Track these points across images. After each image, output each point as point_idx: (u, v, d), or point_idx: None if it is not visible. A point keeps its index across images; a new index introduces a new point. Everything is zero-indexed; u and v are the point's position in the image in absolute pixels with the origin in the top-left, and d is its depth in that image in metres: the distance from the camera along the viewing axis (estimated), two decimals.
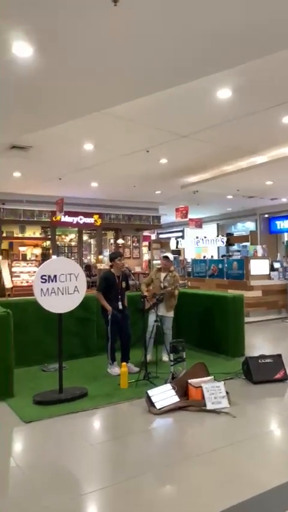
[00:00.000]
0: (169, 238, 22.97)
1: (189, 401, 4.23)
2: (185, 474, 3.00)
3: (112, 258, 5.74)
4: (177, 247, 21.32)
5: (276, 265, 11.44)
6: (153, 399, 4.09)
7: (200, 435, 3.69)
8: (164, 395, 4.16)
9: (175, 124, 7.47)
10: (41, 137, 7.85)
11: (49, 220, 15.93)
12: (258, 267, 10.39)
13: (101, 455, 3.30)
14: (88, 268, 17.21)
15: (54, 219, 15.72)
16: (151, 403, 4.07)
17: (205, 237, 19.96)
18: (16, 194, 14.32)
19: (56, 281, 4.48)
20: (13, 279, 15.23)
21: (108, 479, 2.91)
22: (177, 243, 21.68)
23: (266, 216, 19.09)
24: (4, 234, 16.11)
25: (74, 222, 16.49)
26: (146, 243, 20.42)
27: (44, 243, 18.12)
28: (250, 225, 20.37)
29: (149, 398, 4.11)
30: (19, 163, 9.99)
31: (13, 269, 15.50)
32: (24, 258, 17.01)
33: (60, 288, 4.50)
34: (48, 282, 4.43)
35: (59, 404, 4.26)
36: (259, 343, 7.40)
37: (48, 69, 4.73)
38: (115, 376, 5.15)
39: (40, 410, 4.14)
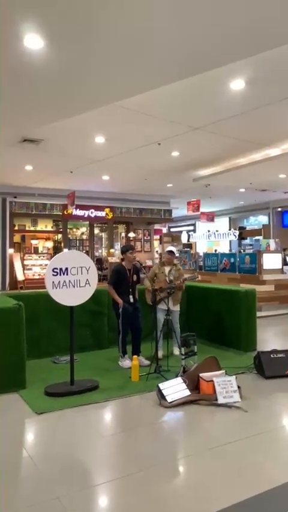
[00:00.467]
0: (180, 232, 22.87)
1: (201, 395, 4.21)
2: (196, 467, 3.00)
3: (123, 250, 5.75)
4: (188, 240, 21.23)
5: None
6: (164, 392, 4.08)
7: (211, 429, 3.68)
8: (175, 388, 4.16)
9: (187, 116, 7.39)
10: (52, 130, 7.84)
11: (61, 213, 15.99)
12: (271, 261, 10.28)
13: (112, 447, 3.32)
14: (99, 262, 17.26)
15: (65, 212, 15.77)
16: (162, 396, 4.07)
17: (217, 231, 19.82)
18: (28, 187, 14.39)
19: (67, 274, 4.49)
20: (25, 271, 15.38)
21: (119, 471, 2.92)
22: (189, 236, 21.58)
23: (279, 209, 18.88)
24: (16, 227, 16.23)
25: (85, 216, 16.53)
26: (157, 237, 20.37)
27: (56, 236, 18.21)
28: (263, 219, 20.17)
29: (160, 392, 4.11)
30: (31, 156, 10.02)
31: (25, 262, 15.64)
32: (36, 251, 17.14)
33: (72, 281, 4.51)
34: (60, 274, 4.44)
35: (70, 396, 4.29)
36: (271, 338, 7.35)
37: (61, 61, 4.71)
38: (126, 369, 5.16)
39: (51, 402, 4.17)
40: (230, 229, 20.28)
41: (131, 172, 12.30)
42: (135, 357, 5.03)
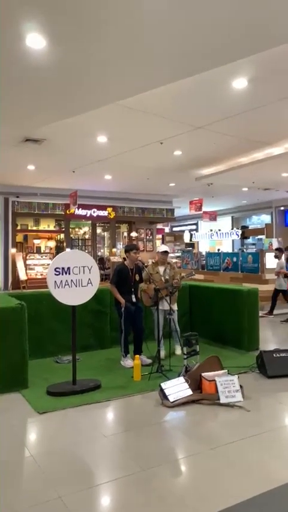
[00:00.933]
0: (183, 231, 22.87)
1: (203, 394, 4.20)
2: (198, 467, 2.99)
3: (127, 249, 5.70)
4: (191, 240, 21.21)
5: None
6: (167, 392, 4.08)
7: (214, 429, 3.67)
8: (177, 388, 4.15)
9: (190, 115, 7.37)
10: (54, 130, 7.84)
11: (63, 213, 16.00)
12: (274, 260, 10.25)
13: (114, 447, 3.31)
14: (101, 261, 17.26)
15: (68, 212, 15.78)
16: (164, 396, 4.07)
17: (219, 230, 19.80)
18: (30, 187, 14.41)
19: (69, 273, 4.49)
20: (27, 271, 15.40)
21: (121, 470, 2.92)
22: (191, 236, 21.56)
23: (282, 208, 18.83)
24: (18, 227, 16.25)
25: (88, 215, 16.53)
26: (159, 236, 20.37)
27: (58, 236, 18.23)
28: (265, 218, 20.12)
29: (162, 391, 4.11)
30: (33, 156, 10.03)
31: (27, 261, 15.67)
32: (38, 250, 17.17)
33: (74, 280, 4.51)
34: (62, 274, 4.44)
35: (72, 396, 4.29)
36: (274, 337, 7.33)
37: (63, 60, 4.70)
38: (128, 368, 5.16)
39: (54, 401, 4.17)
40: (232, 229, 20.25)
41: (134, 172, 12.29)
42: (137, 356, 5.02)
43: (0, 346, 4.43)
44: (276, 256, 9.43)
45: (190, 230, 22.74)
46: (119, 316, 5.47)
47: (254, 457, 3.07)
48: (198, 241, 20.86)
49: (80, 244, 19.04)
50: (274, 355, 4.95)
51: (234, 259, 11.04)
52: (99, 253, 18.78)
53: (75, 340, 4.62)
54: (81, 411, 3.99)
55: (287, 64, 5.36)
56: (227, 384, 4.15)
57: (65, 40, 4.29)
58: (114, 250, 17.22)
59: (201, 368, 4.47)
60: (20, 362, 4.53)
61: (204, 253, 13.72)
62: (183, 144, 9.34)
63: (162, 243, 20.16)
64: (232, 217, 21.97)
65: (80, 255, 4.90)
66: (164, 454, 3.17)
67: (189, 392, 4.15)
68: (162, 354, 5.50)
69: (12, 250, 15.14)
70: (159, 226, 20.22)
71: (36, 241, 17.77)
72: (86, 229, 19.10)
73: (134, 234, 17.85)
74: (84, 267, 4.60)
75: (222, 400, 4.05)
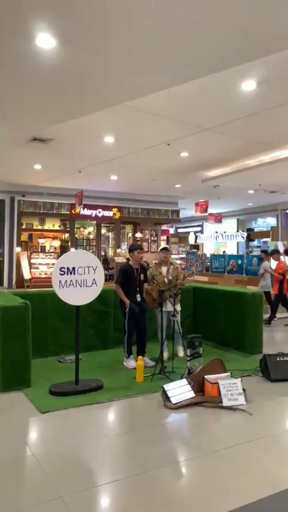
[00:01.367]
0: (188, 233, 22.83)
1: (205, 397, 4.19)
2: (200, 469, 2.98)
3: (131, 249, 5.70)
4: (196, 241, 21.17)
5: None
6: (169, 394, 4.07)
7: (216, 431, 3.66)
8: (179, 390, 4.14)
9: (197, 117, 7.36)
10: (62, 130, 7.86)
11: (68, 212, 16.03)
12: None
13: (116, 448, 3.31)
14: (105, 262, 17.27)
15: (73, 211, 15.81)
16: (167, 398, 4.06)
17: (225, 232, 19.76)
18: (36, 186, 14.45)
19: (74, 273, 4.49)
20: (32, 270, 15.42)
21: (122, 471, 2.91)
22: (196, 237, 21.52)
23: None
24: (24, 226, 16.30)
25: (93, 215, 16.55)
26: (164, 237, 20.34)
27: (63, 236, 18.26)
28: (271, 221, 20.05)
29: (164, 393, 4.10)
30: (40, 156, 10.05)
31: (32, 261, 15.69)
32: (43, 250, 17.19)
33: (79, 280, 4.51)
34: (67, 274, 4.45)
35: (74, 396, 4.29)
36: (277, 341, 7.30)
37: (73, 60, 4.71)
38: (131, 369, 5.16)
39: (56, 400, 4.18)
40: (237, 231, 20.20)
41: (140, 173, 12.29)
42: (140, 357, 5.01)
43: (3, 345, 4.45)
44: (261, 259, 9.45)
45: (195, 232, 22.70)
46: (123, 316, 5.47)
47: (257, 460, 3.06)
48: (203, 243, 20.82)
49: (84, 244, 19.06)
50: (278, 358, 4.93)
51: (239, 261, 11.01)
52: (103, 254, 18.79)
53: (78, 340, 4.62)
54: (83, 411, 3.99)
55: None
56: (230, 387, 4.14)
57: (75, 40, 4.30)
58: (118, 250, 17.21)
59: (204, 370, 4.46)
60: (23, 361, 4.54)
61: (208, 255, 13.68)
62: (190, 146, 9.33)
63: (167, 244, 20.14)
64: (238, 219, 21.91)
65: (85, 255, 4.91)
66: (166, 456, 3.16)
67: (192, 394, 4.14)
68: (165, 355, 5.49)
69: (17, 249, 15.18)
70: (164, 227, 20.20)
71: (41, 241, 17.79)
72: (90, 229, 19.12)
73: (138, 235, 17.84)
74: (89, 267, 4.60)
75: (225, 403, 4.04)
